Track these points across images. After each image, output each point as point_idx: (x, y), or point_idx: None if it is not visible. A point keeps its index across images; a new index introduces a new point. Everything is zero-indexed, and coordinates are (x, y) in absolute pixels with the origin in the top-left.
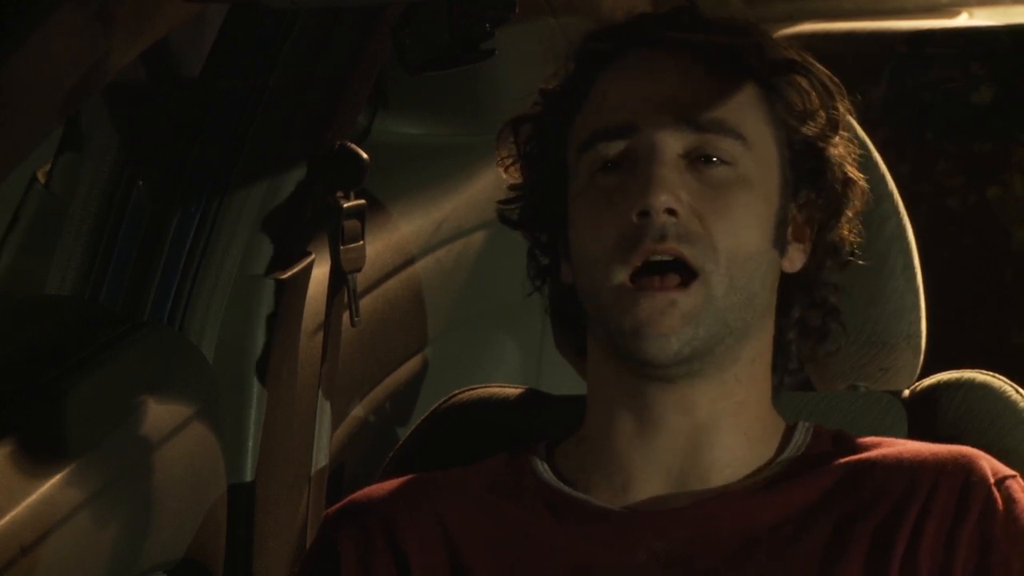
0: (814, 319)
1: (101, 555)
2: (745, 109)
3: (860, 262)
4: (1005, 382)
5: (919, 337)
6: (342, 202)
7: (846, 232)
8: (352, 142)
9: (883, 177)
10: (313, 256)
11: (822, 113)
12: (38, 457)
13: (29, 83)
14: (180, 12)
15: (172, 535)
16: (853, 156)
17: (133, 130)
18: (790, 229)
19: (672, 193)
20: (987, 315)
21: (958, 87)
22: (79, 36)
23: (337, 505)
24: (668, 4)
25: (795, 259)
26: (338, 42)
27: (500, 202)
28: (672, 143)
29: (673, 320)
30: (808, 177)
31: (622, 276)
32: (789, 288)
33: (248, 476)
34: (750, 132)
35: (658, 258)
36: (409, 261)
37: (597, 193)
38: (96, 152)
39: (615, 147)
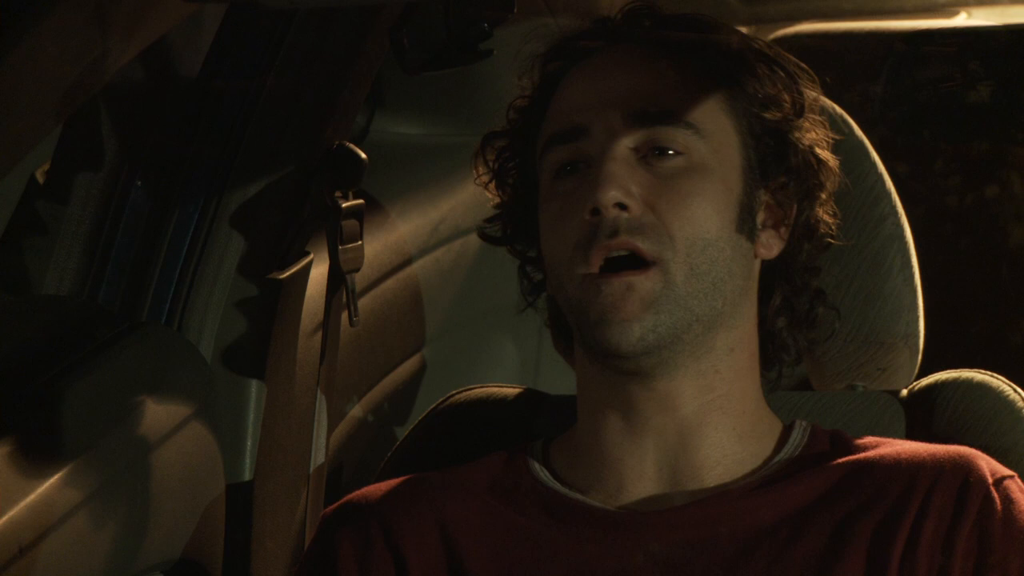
0: (800, 304)
1: (99, 555)
2: (698, 99)
3: (836, 242)
4: (1003, 381)
5: (917, 337)
6: (340, 202)
7: (822, 214)
8: (350, 142)
9: (880, 176)
10: (311, 256)
11: (785, 98)
12: (36, 457)
13: (27, 83)
14: (178, 12)
15: (170, 535)
16: (827, 138)
17: (131, 130)
18: (761, 214)
19: (621, 187)
20: (985, 314)
21: (956, 86)
22: (76, 37)
23: (335, 505)
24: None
25: (771, 245)
26: (336, 42)
27: (484, 220)
28: (622, 139)
29: (632, 305)
30: (775, 162)
31: (582, 274)
32: (770, 275)
33: (246, 476)
34: (704, 121)
35: (615, 254)
36: (407, 261)
37: (557, 198)
38: (94, 152)
39: (570, 150)
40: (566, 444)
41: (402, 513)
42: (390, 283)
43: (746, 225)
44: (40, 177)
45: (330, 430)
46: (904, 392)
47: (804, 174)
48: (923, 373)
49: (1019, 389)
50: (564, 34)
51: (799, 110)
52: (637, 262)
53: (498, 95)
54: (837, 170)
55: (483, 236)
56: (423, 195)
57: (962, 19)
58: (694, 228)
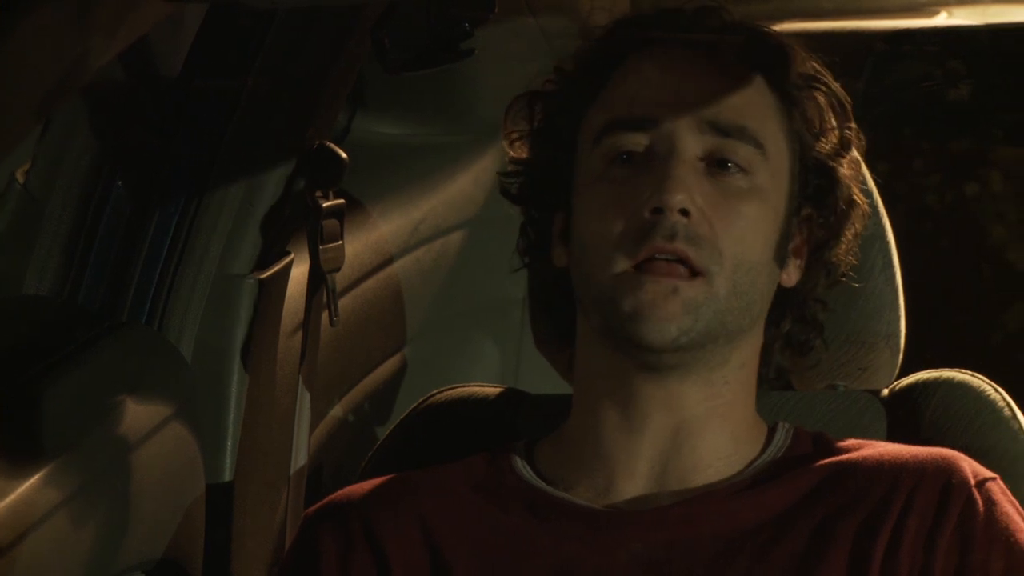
0: (800, 334)
1: (79, 555)
2: (766, 118)
3: (855, 284)
4: (984, 381)
5: (898, 336)
6: (321, 202)
7: (843, 253)
8: (331, 142)
9: (862, 175)
10: (292, 256)
11: (836, 132)
12: (16, 457)
13: (7, 83)
14: (159, 12)
15: (150, 535)
16: (859, 179)
17: (112, 130)
18: (792, 244)
19: (687, 194)
20: (966, 314)
21: (936, 86)
22: (57, 36)
23: (317, 505)
24: (650, 4)
25: (792, 274)
26: (317, 42)
27: (500, 174)
28: (692, 143)
29: (675, 307)
30: (815, 194)
31: (625, 266)
32: (782, 301)
33: (227, 476)
34: (768, 142)
35: (663, 257)
36: (388, 261)
37: (609, 184)
38: (75, 152)
39: (634, 139)
40: (553, 443)
41: (384, 512)
42: (371, 283)
43: (781, 252)
44: (20, 177)
45: (311, 429)
46: (885, 392)
47: (837, 212)
48: (904, 373)
49: (1000, 389)
50: (629, 17)
51: (846, 146)
52: (681, 268)
53: (479, 95)
54: (867, 212)
55: (503, 191)
56: (404, 195)
57: (943, 19)
58: (743, 249)
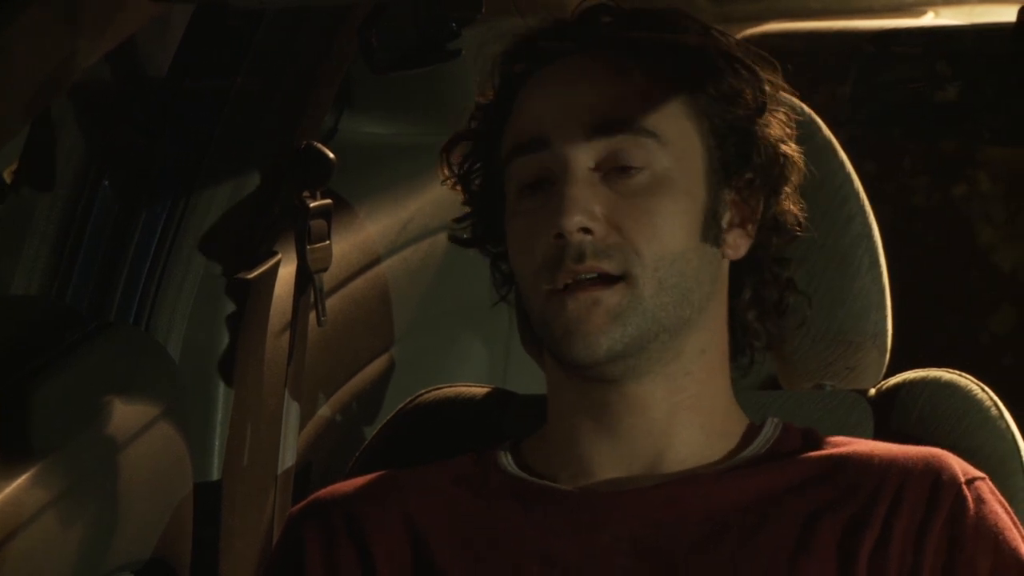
0: (770, 294)
1: (68, 555)
2: (659, 105)
3: (801, 234)
4: (971, 380)
5: (885, 336)
6: (308, 202)
7: (788, 206)
8: (319, 142)
9: (849, 176)
10: (279, 256)
11: (747, 93)
12: (4, 458)
13: None
14: (146, 12)
15: (138, 535)
16: (789, 132)
17: (99, 130)
18: (727, 216)
19: (585, 212)
20: (953, 313)
21: (923, 86)
22: (45, 36)
23: (302, 502)
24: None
25: (739, 244)
26: (305, 42)
27: (453, 220)
28: (582, 157)
29: (599, 318)
30: (739, 160)
31: (547, 290)
32: (739, 270)
33: (214, 476)
34: (665, 128)
35: (582, 276)
36: (375, 261)
37: (522, 217)
38: (62, 152)
39: (530, 162)
40: (537, 442)
41: (368, 508)
42: (358, 283)
43: (711, 231)
44: (8, 177)
45: (299, 429)
46: (872, 391)
47: (769, 170)
48: (891, 372)
49: (987, 388)
50: (522, 35)
51: (761, 105)
52: (604, 279)
53: (467, 95)
54: (801, 162)
55: (452, 238)
56: (391, 195)
57: (929, 19)
58: (661, 244)
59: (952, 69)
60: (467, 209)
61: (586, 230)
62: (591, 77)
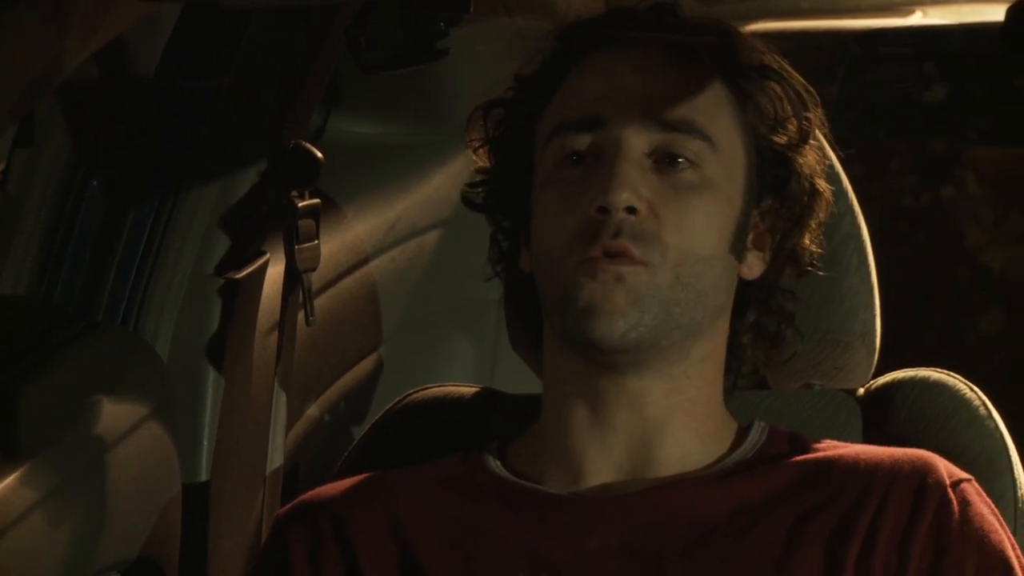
0: (770, 324)
1: (55, 555)
2: (715, 111)
3: (820, 273)
4: (959, 380)
5: (874, 335)
6: (297, 201)
7: (807, 242)
8: (307, 141)
9: (837, 176)
10: (268, 256)
11: (793, 121)
12: None
13: None
14: (135, 11)
15: (126, 535)
16: (822, 167)
17: (87, 129)
18: (751, 236)
19: (633, 191)
20: (941, 314)
21: (912, 86)
22: (33, 35)
23: (288, 505)
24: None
25: (754, 266)
26: (293, 42)
27: (467, 185)
28: (637, 141)
29: (620, 297)
30: (774, 185)
31: (577, 261)
32: (746, 293)
33: (203, 476)
34: (718, 135)
35: (611, 252)
36: (363, 260)
37: (560, 185)
38: (50, 151)
39: (581, 139)
40: (526, 441)
41: (355, 511)
42: (346, 282)
43: (738, 245)
44: None
45: (287, 430)
46: (861, 391)
47: (799, 200)
48: (880, 372)
49: (975, 388)
50: (582, 18)
51: (804, 135)
52: (627, 260)
53: (455, 94)
54: (830, 201)
55: (465, 201)
56: (379, 194)
57: (918, 18)
58: (690, 243)
59: (940, 69)
60: (481, 176)
61: (631, 209)
62: (655, 71)
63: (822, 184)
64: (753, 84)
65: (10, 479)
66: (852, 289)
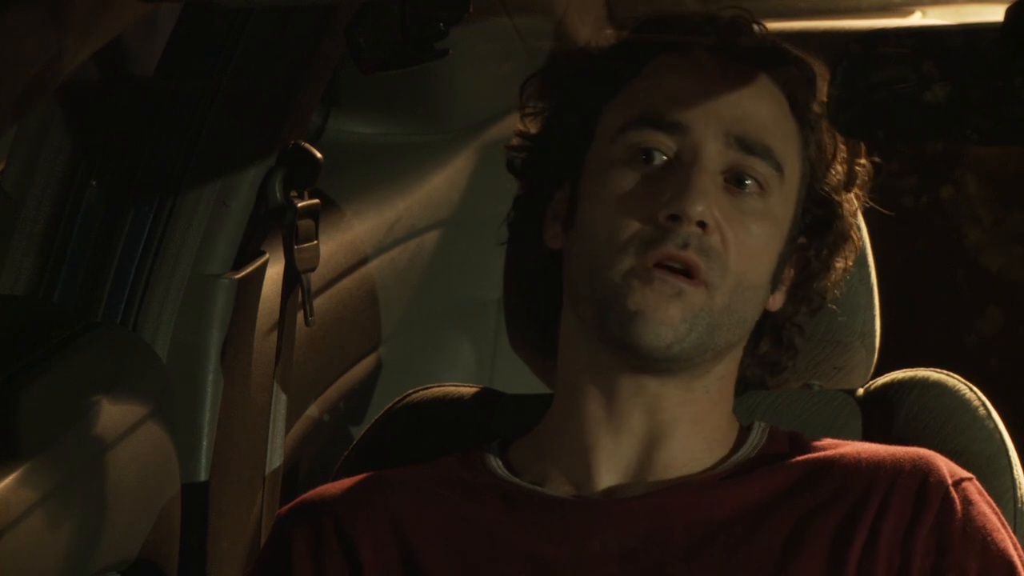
0: (774, 356)
1: (54, 556)
2: (788, 141)
3: (833, 307)
4: (959, 380)
5: (873, 336)
6: (296, 201)
7: (829, 285)
8: (306, 141)
9: (857, 210)
10: (267, 256)
11: (845, 165)
12: None
13: None
14: (133, 12)
15: (125, 536)
16: (855, 215)
17: (86, 130)
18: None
19: (707, 206)
20: (940, 314)
21: (911, 87)
22: (32, 36)
23: (289, 504)
24: (628, 6)
25: (777, 299)
26: (292, 42)
27: (508, 147)
28: (716, 156)
29: (676, 311)
30: (814, 225)
31: (632, 265)
32: (762, 323)
33: (202, 476)
34: (787, 165)
35: (671, 264)
36: (363, 260)
37: (626, 180)
38: (49, 152)
39: (660, 140)
40: (529, 441)
41: (356, 510)
42: (346, 283)
43: (777, 276)
44: None
45: (286, 430)
46: (860, 391)
47: (833, 244)
48: (879, 372)
49: (975, 388)
50: (664, 16)
51: (851, 181)
52: (687, 275)
53: (454, 94)
54: (859, 248)
55: (510, 167)
56: (379, 194)
57: (917, 18)
58: (748, 270)
59: (940, 69)
60: (524, 142)
61: (701, 223)
62: (739, 88)
63: (855, 232)
64: (819, 120)
65: (10, 479)
66: (852, 290)
